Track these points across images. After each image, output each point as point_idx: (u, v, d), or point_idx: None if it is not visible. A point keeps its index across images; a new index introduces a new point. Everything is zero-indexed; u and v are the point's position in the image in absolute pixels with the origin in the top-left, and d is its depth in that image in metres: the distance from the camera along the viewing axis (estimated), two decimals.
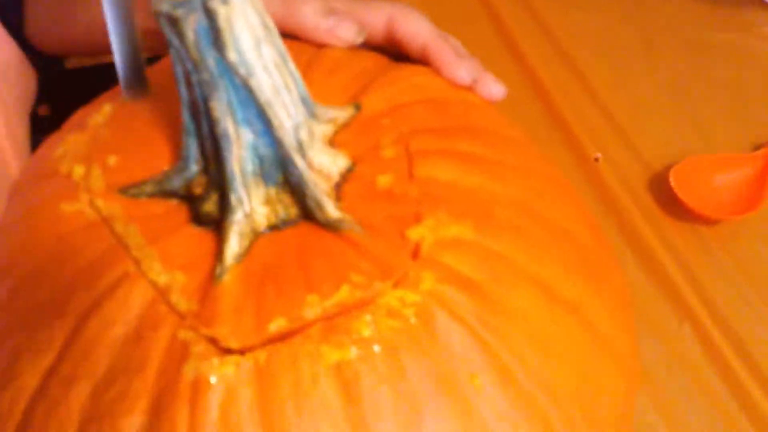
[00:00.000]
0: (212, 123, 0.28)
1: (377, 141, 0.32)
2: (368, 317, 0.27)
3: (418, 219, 0.29)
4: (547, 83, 0.66)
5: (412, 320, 0.28)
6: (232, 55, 0.26)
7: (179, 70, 0.28)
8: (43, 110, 0.59)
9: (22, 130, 0.51)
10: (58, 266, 0.29)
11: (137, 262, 0.28)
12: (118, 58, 0.31)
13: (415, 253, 0.29)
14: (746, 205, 0.58)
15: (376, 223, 0.29)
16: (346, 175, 0.31)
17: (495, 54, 0.70)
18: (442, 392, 0.27)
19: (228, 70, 0.27)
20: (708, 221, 0.58)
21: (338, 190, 0.30)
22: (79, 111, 0.35)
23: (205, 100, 0.27)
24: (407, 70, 0.36)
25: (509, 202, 0.31)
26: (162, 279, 0.28)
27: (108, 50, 0.33)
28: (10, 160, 0.48)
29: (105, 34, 0.32)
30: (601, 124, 0.64)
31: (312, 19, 0.37)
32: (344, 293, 0.27)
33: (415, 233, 0.29)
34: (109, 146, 0.32)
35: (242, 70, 0.27)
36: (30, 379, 0.28)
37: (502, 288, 0.29)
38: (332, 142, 0.31)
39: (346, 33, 0.37)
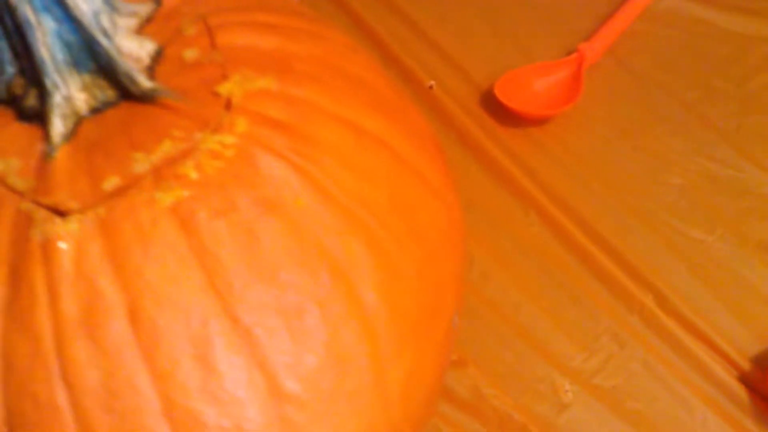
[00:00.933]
0: (12, 12, 0.30)
1: (179, 25, 0.35)
2: (192, 162, 0.30)
3: (225, 77, 0.33)
4: (376, 27, 0.70)
5: (234, 159, 0.31)
6: None
7: None
8: None
9: None
10: None
11: None
12: None
13: (228, 106, 0.32)
14: (565, 101, 0.65)
15: (188, 88, 0.32)
16: (156, 59, 0.34)
17: (324, 6, 0.72)
18: (272, 215, 0.31)
19: None
20: (535, 121, 0.65)
21: (150, 72, 0.33)
22: None
23: None
24: None
25: (307, 57, 0.35)
26: None
27: None
28: None
29: None
30: (431, 56, 0.69)
31: None
32: (167, 146, 0.30)
33: (224, 89, 0.32)
34: None
35: None
36: None
37: (310, 125, 0.33)
38: (138, 34, 0.34)
39: None
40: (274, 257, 0.31)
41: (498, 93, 0.64)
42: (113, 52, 0.31)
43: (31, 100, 0.32)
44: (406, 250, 0.34)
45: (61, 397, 0.29)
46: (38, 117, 0.32)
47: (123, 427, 0.29)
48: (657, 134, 0.64)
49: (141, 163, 0.30)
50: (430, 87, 0.67)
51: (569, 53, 0.68)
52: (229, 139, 0.31)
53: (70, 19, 0.31)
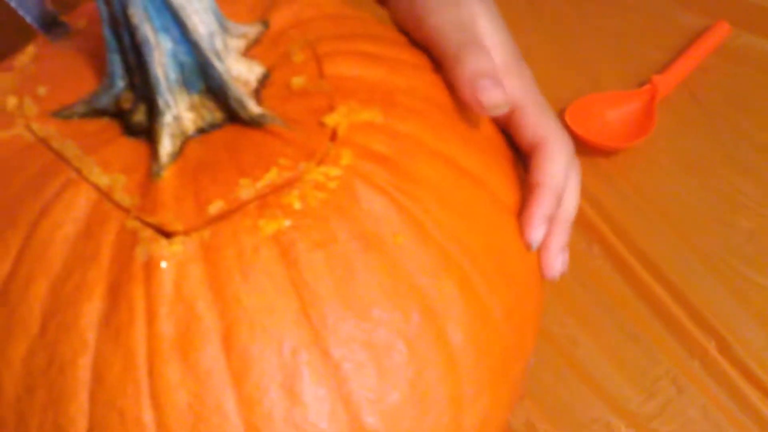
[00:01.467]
0: (132, 31, 0.30)
1: (287, 50, 0.35)
2: (297, 192, 0.30)
3: (332, 108, 0.33)
4: None
5: (337, 191, 0.31)
6: None
7: None
8: None
9: None
10: (2, 185, 0.31)
11: (78, 171, 0.31)
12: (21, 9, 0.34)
13: (333, 137, 0.32)
14: (636, 135, 0.64)
15: (295, 116, 0.32)
16: (263, 82, 0.34)
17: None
18: (370, 250, 0.31)
19: None
20: (604, 152, 0.63)
21: (257, 95, 0.33)
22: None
23: (124, 9, 0.30)
24: None
25: (409, 90, 0.35)
26: (103, 181, 0.30)
27: None
28: None
29: None
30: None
31: (469, 73, 0.36)
32: (273, 174, 0.30)
33: (330, 120, 0.32)
34: (38, 79, 0.34)
35: None
36: None
37: (412, 161, 0.33)
38: (246, 56, 0.34)
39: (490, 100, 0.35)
40: (368, 293, 0.30)
41: (569, 120, 0.63)
42: (226, 76, 0.32)
43: (139, 116, 0.32)
44: (495, 292, 0.34)
45: (148, 416, 0.29)
46: (145, 133, 0.32)
47: None
48: (726, 174, 0.63)
49: (246, 189, 0.30)
50: None
51: (640, 84, 0.67)
52: (333, 171, 0.31)
53: (186, 40, 0.31)
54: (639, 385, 0.53)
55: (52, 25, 0.36)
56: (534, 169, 0.38)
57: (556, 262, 0.38)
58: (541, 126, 0.38)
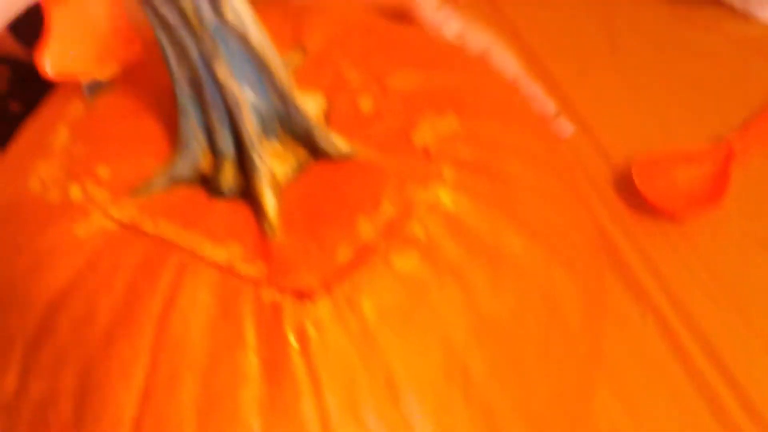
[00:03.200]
0: (220, 89, 0.28)
1: (337, 73, 0.33)
2: (417, 221, 0.30)
3: (413, 125, 0.32)
4: None
5: (450, 211, 0.30)
6: (230, 15, 0.27)
7: (170, 52, 0.28)
8: (15, 106, 0.58)
9: None
10: (104, 289, 0.28)
11: (188, 251, 0.29)
12: None
13: (427, 154, 0.31)
14: (708, 200, 0.57)
15: (380, 140, 0.31)
16: (326, 111, 0.32)
17: None
18: (492, 260, 0.31)
19: (222, 33, 0.27)
20: (672, 217, 0.57)
21: (329, 126, 0.32)
22: (21, 136, 0.34)
23: (210, 68, 0.28)
24: (319, 10, 0.37)
25: (471, 89, 0.34)
26: (220, 255, 0.28)
27: None
28: None
29: None
30: (566, 118, 0.60)
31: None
32: (387, 207, 0.29)
33: (418, 137, 0.31)
34: (90, 159, 0.31)
35: (240, 28, 0.27)
36: (125, 401, 0.28)
37: (499, 162, 0.32)
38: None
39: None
40: (498, 308, 0.30)
41: (636, 177, 0.57)
42: (310, 118, 0.30)
43: (225, 176, 0.30)
44: (582, 263, 0.35)
45: None
46: (239, 193, 0.30)
47: None
48: None
49: (366, 228, 0.29)
50: None
51: (715, 139, 0.61)
52: (442, 191, 0.30)
53: (264, 89, 0.29)
54: None
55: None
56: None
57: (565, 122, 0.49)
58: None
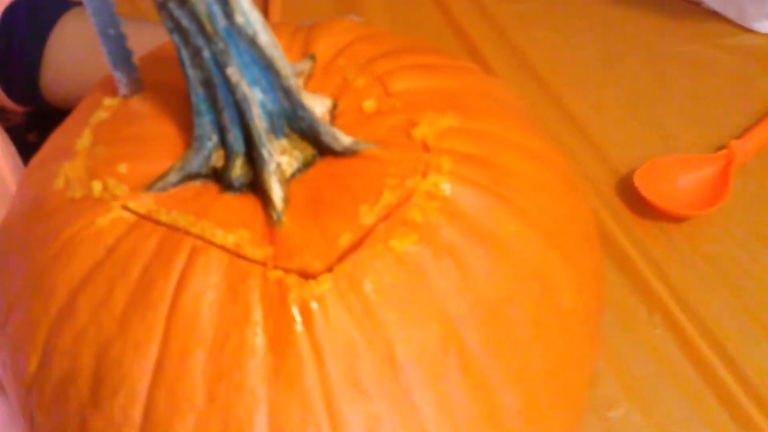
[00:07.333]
0: (231, 90, 0.30)
1: (344, 78, 0.35)
2: (415, 206, 0.31)
3: (413, 122, 0.33)
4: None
5: (448, 198, 0.32)
6: (240, 18, 0.29)
7: (185, 54, 0.30)
8: (33, 137, 0.61)
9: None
10: (121, 272, 0.30)
11: (200, 237, 0.31)
12: (111, 60, 0.33)
13: (426, 147, 0.33)
14: (709, 202, 0.59)
15: (381, 137, 0.33)
16: (333, 113, 0.34)
17: None
18: (490, 246, 0.32)
19: (233, 36, 0.30)
20: (674, 218, 0.59)
21: (335, 125, 0.34)
22: (49, 142, 0.36)
23: (222, 70, 0.30)
24: (328, 24, 0.40)
25: (469, 90, 0.36)
26: (229, 240, 0.30)
27: None
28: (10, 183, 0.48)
29: None
30: (568, 132, 0.65)
31: None
32: (387, 196, 0.31)
33: (418, 132, 0.33)
34: (111, 158, 0.33)
35: (250, 31, 0.29)
36: (139, 376, 0.30)
37: (497, 155, 0.34)
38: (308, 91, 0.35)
39: None
40: (497, 287, 0.32)
41: (638, 182, 0.59)
42: (315, 115, 0.32)
43: (236, 171, 0.32)
44: (582, 255, 0.36)
45: None
46: (248, 186, 0.32)
47: None
48: None
49: (368, 215, 0.30)
50: None
51: (716, 149, 0.63)
52: (441, 180, 0.32)
53: (273, 89, 0.31)
54: None
55: (131, 78, 0.35)
56: None
57: None
58: None
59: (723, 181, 0.60)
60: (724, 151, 0.61)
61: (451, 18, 0.78)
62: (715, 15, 0.76)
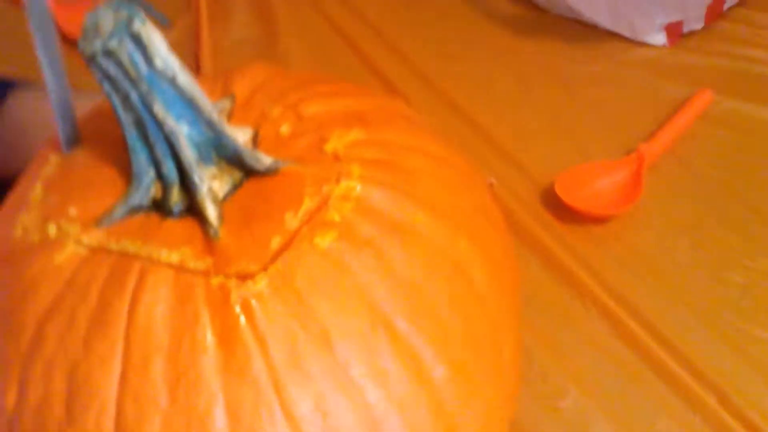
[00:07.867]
0: (160, 126, 0.35)
1: (261, 111, 0.40)
2: (333, 208, 0.36)
3: (324, 139, 0.38)
4: (438, 127, 0.70)
5: (360, 197, 0.36)
6: (159, 63, 0.33)
7: (115, 99, 0.34)
8: None
9: None
10: (81, 299, 0.34)
11: (146, 258, 0.35)
12: (59, 117, 0.37)
13: (337, 158, 0.38)
14: (626, 201, 0.65)
15: (298, 155, 0.38)
16: (255, 140, 0.39)
17: None
18: (403, 235, 0.36)
19: (155, 78, 0.34)
20: (596, 220, 0.64)
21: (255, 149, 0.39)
22: (8, 199, 0.40)
23: (149, 109, 0.34)
24: (245, 67, 0.44)
25: (372, 108, 0.41)
26: (174, 257, 0.34)
27: None
28: None
29: None
30: (491, 154, 0.71)
31: None
32: (308, 202, 0.36)
33: (329, 147, 0.38)
34: (62, 204, 0.36)
35: (169, 73, 0.34)
36: (107, 389, 0.33)
37: (400, 158, 0.39)
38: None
39: None
40: (413, 270, 0.36)
41: (558, 191, 0.64)
42: (238, 142, 0.37)
43: (174, 197, 0.36)
44: (489, 241, 0.41)
45: (284, 428, 0.33)
46: (187, 211, 0.36)
47: None
48: (717, 233, 0.63)
49: (293, 221, 0.35)
50: (491, 184, 0.67)
51: (627, 153, 0.68)
52: (352, 183, 0.36)
53: (198, 123, 0.36)
54: None
55: (72, 136, 0.39)
56: None
57: None
58: None
59: (636, 181, 0.66)
60: (634, 154, 0.68)
61: (370, 62, 0.84)
62: (611, 34, 0.84)
